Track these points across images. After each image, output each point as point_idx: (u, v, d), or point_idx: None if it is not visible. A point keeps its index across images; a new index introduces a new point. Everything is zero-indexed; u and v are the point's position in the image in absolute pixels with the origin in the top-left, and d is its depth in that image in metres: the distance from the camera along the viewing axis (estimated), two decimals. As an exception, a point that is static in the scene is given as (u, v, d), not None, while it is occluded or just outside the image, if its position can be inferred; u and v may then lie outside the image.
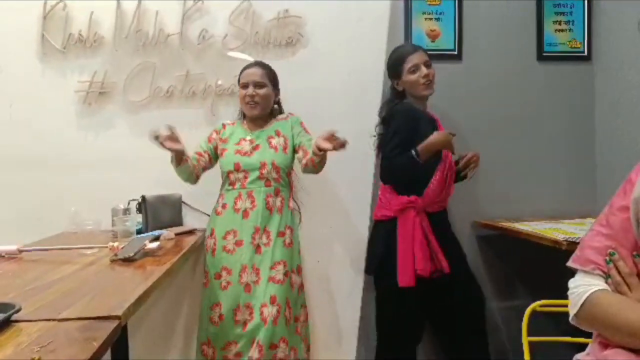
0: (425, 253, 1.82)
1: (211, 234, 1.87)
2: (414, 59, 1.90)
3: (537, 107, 2.38)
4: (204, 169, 1.90)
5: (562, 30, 2.37)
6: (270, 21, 2.10)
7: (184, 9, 2.07)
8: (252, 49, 2.09)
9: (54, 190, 2.03)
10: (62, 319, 0.88)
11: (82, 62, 2.06)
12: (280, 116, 1.95)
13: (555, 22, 2.37)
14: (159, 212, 1.94)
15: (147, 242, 1.47)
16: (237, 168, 1.84)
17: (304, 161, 1.79)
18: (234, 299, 1.79)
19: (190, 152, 1.86)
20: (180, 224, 2.03)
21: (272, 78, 1.89)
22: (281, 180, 1.86)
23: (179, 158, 1.75)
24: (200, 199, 2.08)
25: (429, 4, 2.30)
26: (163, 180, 2.05)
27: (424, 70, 1.88)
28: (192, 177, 1.86)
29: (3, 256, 1.45)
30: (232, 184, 1.86)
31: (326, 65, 2.13)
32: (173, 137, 1.67)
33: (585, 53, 2.38)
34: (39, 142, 2.05)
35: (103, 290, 1.07)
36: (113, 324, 0.85)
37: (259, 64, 1.91)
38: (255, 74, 1.86)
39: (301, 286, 1.90)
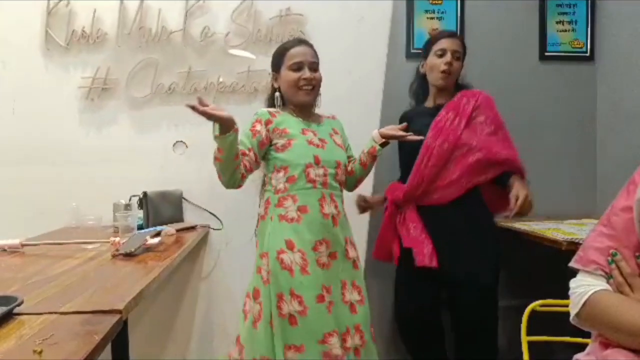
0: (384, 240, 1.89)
1: (289, 248, 1.45)
2: (446, 43, 1.81)
3: (539, 106, 2.37)
4: (249, 170, 1.48)
5: (564, 30, 2.37)
6: (272, 19, 2.10)
7: (187, 6, 2.07)
8: (254, 46, 2.09)
9: (56, 185, 2.04)
10: (64, 313, 0.88)
11: (85, 58, 2.06)
12: (323, 114, 1.69)
13: (558, 22, 2.37)
14: (160, 208, 1.94)
15: (148, 237, 1.47)
16: (317, 161, 1.50)
17: (348, 168, 1.63)
18: (339, 321, 1.45)
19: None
20: (181, 220, 2.04)
21: (319, 59, 1.61)
22: (344, 185, 1.64)
23: (229, 126, 1.32)
24: (201, 196, 2.09)
25: (432, 3, 2.30)
26: (164, 176, 2.06)
27: (448, 57, 1.79)
28: (238, 175, 1.44)
29: (6, 250, 1.46)
30: (312, 181, 1.49)
31: (328, 63, 2.10)
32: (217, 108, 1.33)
33: (588, 53, 2.38)
34: (41, 138, 2.05)
35: (104, 285, 1.08)
36: (114, 318, 0.86)
37: (305, 42, 1.61)
38: (309, 53, 1.55)
39: None
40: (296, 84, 1.55)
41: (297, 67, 1.55)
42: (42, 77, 2.06)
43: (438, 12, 2.29)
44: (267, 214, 1.53)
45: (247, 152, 1.48)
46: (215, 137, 1.35)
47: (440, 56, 1.81)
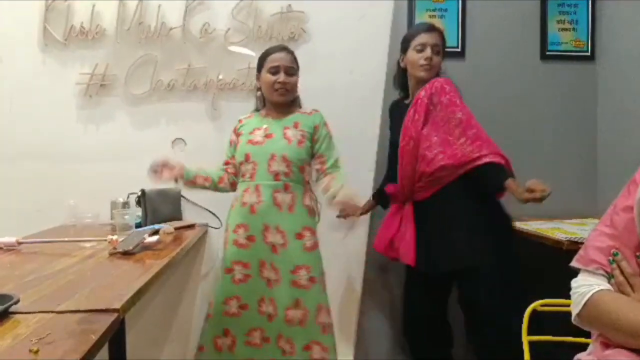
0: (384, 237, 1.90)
1: (227, 228, 1.83)
2: (424, 38, 1.79)
3: (540, 106, 2.37)
4: (236, 174, 1.85)
5: (565, 30, 2.37)
6: (273, 16, 2.09)
7: (187, 2, 2.06)
8: (254, 43, 2.08)
9: (54, 183, 2.02)
10: (61, 311, 0.87)
11: (83, 54, 2.05)
12: (302, 109, 1.84)
13: (559, 21, 2.36)
14: (158, 206, 1.93)
15: (146, 235, 1.46)
16: (247, 159, 1.76)
17: (322, 186, 1.74)
18: (257, 291, 1.74)
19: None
20: (179, 218, 2.03)
21: (298, 65, 1.80)
22: (292, 175, 1.73)
23: (189, 182, 1.79)
24: (200, 194, 2.07)
25: (433, 2, 2.29)
26: (163, 174, 2.05)
27: (427, 52, 1.77)
28: (224, 185, 1.85)
29: (2, 248, 1.45)
30: (243, 175, 1.78)
31: (329, 61, 2.12)
32: (168, 165, 1.74)
33: (589, 52, 2.37)
34: (39, 134, 2.04)
35: (102, 283, 1.07)
36: (111, 317, 0.85)
37: (286, 48, 1.81)
38: (286, 59, 1.75)
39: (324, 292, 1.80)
40: (272, 85, 1.75)
41: (275, 70, 1.74)
42: (40, 73, 2.05)
43: (440, 11, 2.29)
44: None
45: (230, 160, 1.85)
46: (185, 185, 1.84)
47: (420, 51, 1.79)
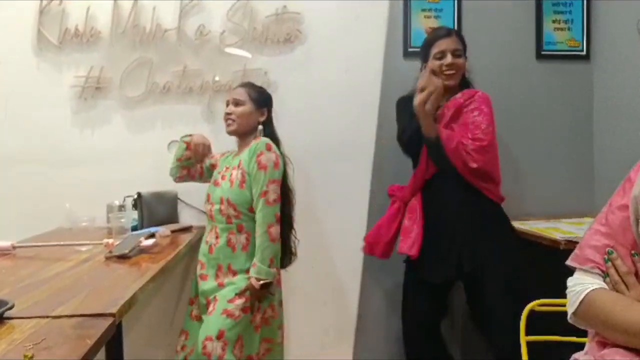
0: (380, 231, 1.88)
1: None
2: (443, 44, 1.77)
3: (536, 105, 2.38)
4: (192, 177, 1.93)
5: (561, 29, 2.37)
6: (268, 17, 2.09)
7: (182, 4, 2.05)
8: (250, 45, 2.07)
9: (49, 186, 2.01)
10: (56, 316, 0.87)
11: (78, 57, 2.04)
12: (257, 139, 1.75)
13: (554, 20, 2.37)
14: (154, 209, 1.93)
15: (142, 239, 1.46)
16: (208, 199, 1.78)
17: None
18: (197, 329, 1.70)
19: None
20: (176, 221, 2.02)
21: (254, 96, 1.77)
22: (242, 217, 1.67)
23: (196, 162, 1.88)
24: (197, 196, 2.07)
25: (428, 1, 2.29)
26: (159, 176, 2.04)
27: (448, 58, 1.75)
28: (179, 172, 1.91)
29: (-3, 252, 1.44)
30: (207, 215, 1.79)
31: (324, 62, 2.12)
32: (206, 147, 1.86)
33: (584, 52, 2.38)
34: (34, 137, 2.03)
35: (97, 288, 1.07)
36: (107, 322, 0.85)
37: (244, 84, 1.83)
38: (236, 92, 1.79)
39: (267, 323, 1.71)
40: (224, 117, 1.79)
41: (227, 103, 1.80)
42: (34, 76, 2.04)
43: (435, 11, 2.29)
44: None
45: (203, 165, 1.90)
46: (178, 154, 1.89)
47: (440, 59, 1.77)
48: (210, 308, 1.65)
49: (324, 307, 2.11)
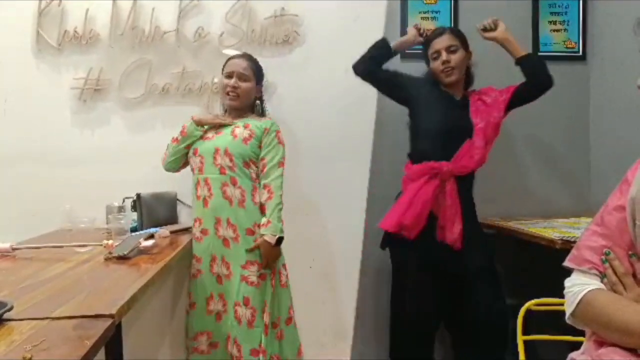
0: (423, 212, 1.74)
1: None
2: (436, 44, 1.83)
3: (532, 106, 2.38)
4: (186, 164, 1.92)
5: (557, 30, 2.38)
6: (266, 19, 2.09)
7: (180, 6, 2.06)
8: (248, 46, 2.08)
9: (49, 187, 2.02)
10: (55, 317, 0.87)
11: (77, 58, 2.05)
12: (264, 116, 1.90)
13: (550, 22, 2.38)
14: (154, 210, 1.93)
15: (141, 240, 1.46)
16: (194, 152, 1.80)
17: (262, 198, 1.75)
18: (206, 287, 1.76)
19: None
20: (175, 222, 2.02)
21: (256, 72, 1.85)
22: (236, 170, 1.74)
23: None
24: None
25: (426, 3, 2.30)
26: (158, 178, 2.05)
27: (443, 56, 1.80)
28: (180, 162, 1.88)
29: (-4, 254, 1.44)
30: (192, 170, 1.83)
31: (322, 64, 2.12)
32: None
33: (580, 53, 2.39)
34: (33, 139, 2.03)
35: (97, 289, 1.07)
36: (106, 323, 0.85)
37: (245, 55, 1.88)
38: (241, 65, 1.81)
39: (285, 286, 1.81)
40: (224, 89, 1.82)
41: (228, 75, 1.81)
42: (33, 78, 2.04)
43: (432, 12, 2.30)
44: None
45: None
46: (193, 122, 1.82)
47: (436, 58, 1.83)
48: (226, 271, 1.74)
49: (322, 307, 2.11)
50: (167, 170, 1.91)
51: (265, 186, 1.75)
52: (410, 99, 1.88)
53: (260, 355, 1.68)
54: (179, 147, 1.84)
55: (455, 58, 1.81)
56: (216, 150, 1.75)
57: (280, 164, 1.77)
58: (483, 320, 1.78)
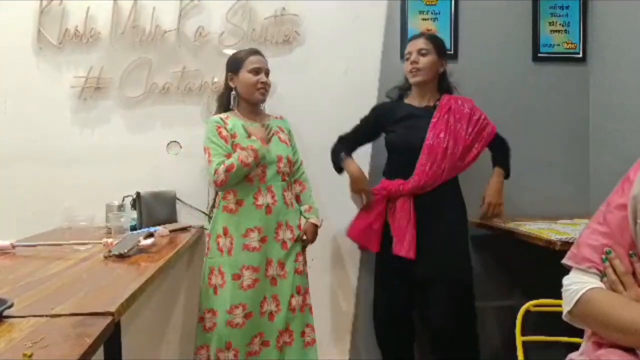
0: (363, 234, 1.93)
1: (224, 234, 1.79)
2: (410, 46, 1.92)
3: (532, 107, 2.39)
4: None
5: (557, 31, 2.38)
6: (267, 19, 2.10)
7: (181, 5, 2.06)
8: (248, 46, 2.06)
9: (49, 186, 2.02)
10: (55, 315, 0.87)
11: (78, 57, 2.05)
12: (270, 113, 1.94)
13: (550, 22, 2.38)
14: (153, 209, 1.93)
15: (141, 238, 1.46)
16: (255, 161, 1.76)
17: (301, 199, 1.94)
18: (260, 293, 1.78)
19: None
20: (174, 220, 2.03)
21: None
22: (291, 175, 1.89)
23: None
24: (195, 196, 2.08)
25: (426, 4, 2.30)
26: (158, 176, 2.05)
27: (412, 56, 1.88)
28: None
29: (-4, 252, 1.44)
30: (250, 179, 1.77)
31: (323, 64, 2.13)
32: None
33: (581, 54, 2.39)
34: (33, 137, 2.04)
35: (96, 287, 1.07)
36: (106, 320, 0.85)
37: (260, 52, 1.89)
38: (265, 62, 1.86)
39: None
40: (255, 85, 1.81)
41: (256, 71, 1.82)
42: (34, 76, 2.04)
43: (432, 13, 2.30)
44: (217, 204, 1.87)
45: (229, 156, 1.78)
46: (261, 145, 1.75)
47: (407, 59, 1.90)
48: (281, 272, 1.82)
49: (320, 308, 2.12)
50: (223, 188, 1.78)
51: (297, 181, 1.94)
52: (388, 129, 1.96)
53: (307, 329, 1.87)
54: (246, 171, 1.75)
55: (424, 60, 1.87)
56: (279, 159, 1.82)
57: (301, 162, 1.97)
58: (436, 329, 1.85)
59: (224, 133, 1.78)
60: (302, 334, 1.86)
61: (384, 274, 1.94)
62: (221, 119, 1.82)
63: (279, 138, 1.86)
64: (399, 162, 1.91)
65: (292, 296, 1.82)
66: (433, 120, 1.86)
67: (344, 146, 1.96)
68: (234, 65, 1.85)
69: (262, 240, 1.78)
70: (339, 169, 1.97)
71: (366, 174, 2.11)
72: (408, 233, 1.82)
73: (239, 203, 1.78)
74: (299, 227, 1.88)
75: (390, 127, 1.93)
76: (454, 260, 1.85)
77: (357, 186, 1.92)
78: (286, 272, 1.82)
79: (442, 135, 1.84)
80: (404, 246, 1.81)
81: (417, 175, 1.83)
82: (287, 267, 1.82)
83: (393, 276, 1.89)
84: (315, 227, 1.90)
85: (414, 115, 1.91)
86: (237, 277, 1.75)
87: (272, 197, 1.80)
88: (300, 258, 1.87)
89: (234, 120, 1.82)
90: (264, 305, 1.79)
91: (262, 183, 1.78)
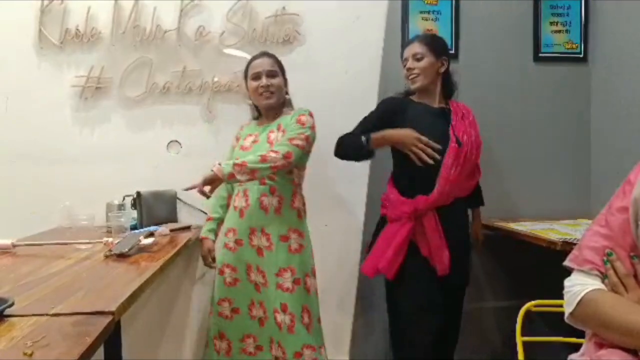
0: (397, 257, 1.76)
1: (222, 230, 1.88)
2: (406, 52, 1.89)
3: (533, 107, 2.39)
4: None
5: (558, 32, 2.39)
6: (267, 18, 2.10)
7: (182, 5, 2.06)
8: (249, 46, 2.08)
9: (49, 185, 2.02)
10: (56, 314, 0.87)
11: (78, 57, 2.05)
12: (291, 110, 1.86)
13: (552, 23, 2.38)
14: (153, 208, 1.93)
15: (141, 238, 1.46)
16: None
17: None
18: (246, 295, 1.78)
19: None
20: (175, 220, 2.03)
21: (281, 67, 1.85)
22: (277, 178, 1.74)
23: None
24: (195, 196, 2.07)
25: (426, 4, 2.30)
26: (158, 176, 2.05)
27: (408, 63, 1.85)
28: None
29: (-4, 251, 1.44)
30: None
31: (323, 64, 2.13)
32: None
33: (582, 54, 2.39)
34: (34, 136, 2.03)
35: (97, 286, 1.07)
36: (106, 320, 0.85)
37: (266, 53, 1.86)
38: (266, 63, 1.81)
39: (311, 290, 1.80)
40: (256, 91, 1.79)
41: (256, 76, 1.79)
42: (35, 75, 2.04)
43: (433, 13, 2.30)
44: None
45: None
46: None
47: (405, 66, 1.88)
48: (262, 280, 1.75)
49: (321, 307, 2.11)
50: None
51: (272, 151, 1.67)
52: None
53: (306, 351, 1.70)
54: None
55: (419, 65, 1.83)
56: None
57: (290, 139, 1.68)
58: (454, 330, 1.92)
59: (233, 142, 1.91)
60: (297, 354, 1.68)
61: (424, 297, 1.77)
62: (242, 125, 1.94)
63: (267, 138, 1.76)
64: (417, 167, 1.77)
65: (275, 311, 1.71)
66: (452, 122, 1.81)
67: (355, 134, 1.83)
68: (244, 74, 1.87)
69: (237, 242, 1.78)
70: (367, 152, 1.80)
71: (366, 174, 2.11)
72: (444, 250, 1.74)
73: (228, 202, 1.88)
74: (282, 237, 1.74)
75: (401, 124, 1.82)
76: (471, 262, 1.92)
77: (413, 136, 1.75)
78: (267, 282, 1.74)
79: (465, 137, 1.79)
80: (444, 263, 1.74)
81: (442, 179, 1.74)
82: (267, 277, 1.74)
83: (438, 297, 1.77)
84: (215, 175, 1.63)
85: (429, 114, 1.84)
86: (221, 272, 1.82)
87: (246, 200, 1.77)
88: (286, 274, 1.71)
89: (250, 126, 1.90)
90: (252, 309, 1.79)
91: (239, 185, 1.80)
